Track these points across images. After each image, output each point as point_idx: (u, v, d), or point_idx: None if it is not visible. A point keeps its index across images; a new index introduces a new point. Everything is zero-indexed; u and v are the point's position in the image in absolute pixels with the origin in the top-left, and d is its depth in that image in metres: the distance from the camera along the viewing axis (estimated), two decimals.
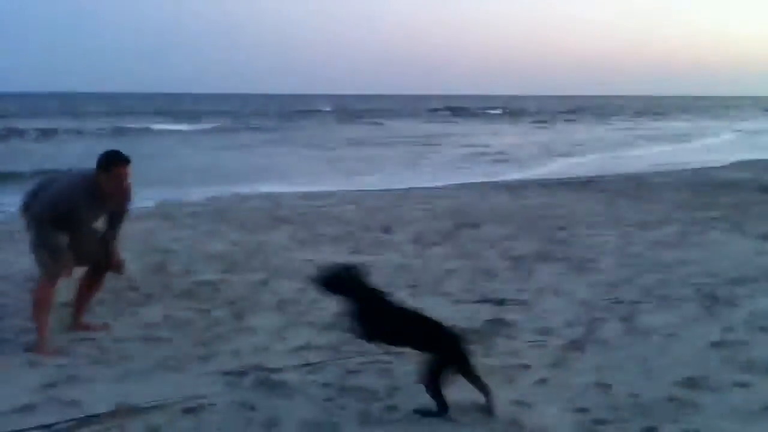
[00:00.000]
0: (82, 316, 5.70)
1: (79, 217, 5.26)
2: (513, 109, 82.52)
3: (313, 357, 5.04)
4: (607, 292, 6.64)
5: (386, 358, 4.96)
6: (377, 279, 7.04)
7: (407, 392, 4.39)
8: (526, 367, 4.81)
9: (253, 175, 19.31)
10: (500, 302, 6.31)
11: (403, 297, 6.48)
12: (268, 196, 14.39)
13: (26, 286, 6.78)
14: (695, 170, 19.31)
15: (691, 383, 4.49)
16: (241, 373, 4.70)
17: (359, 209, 12.21)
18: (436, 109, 79.42)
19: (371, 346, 5.19)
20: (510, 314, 6.00)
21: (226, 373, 4.71)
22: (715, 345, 5.20)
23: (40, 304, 5.27)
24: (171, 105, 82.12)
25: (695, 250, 8.37)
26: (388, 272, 7.47)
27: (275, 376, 4.64)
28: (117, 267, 5.61)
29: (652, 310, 6.07)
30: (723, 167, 20.28)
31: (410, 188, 15.94)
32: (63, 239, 5.26)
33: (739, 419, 4.02)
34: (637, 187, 15.23)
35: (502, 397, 4.26)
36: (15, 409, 4.12)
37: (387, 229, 9.98)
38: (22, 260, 7.51)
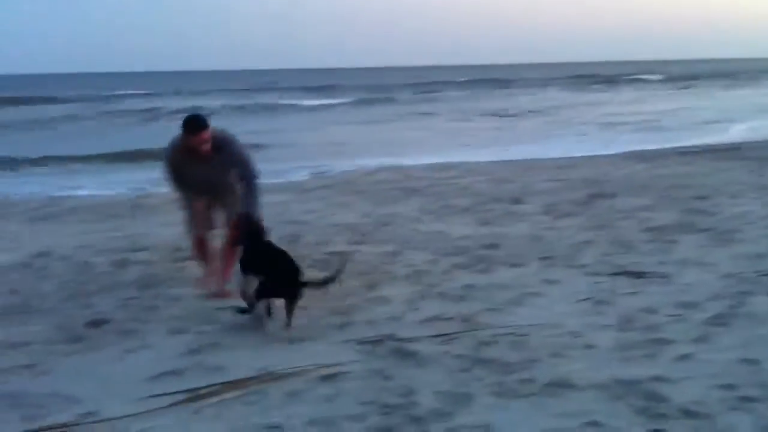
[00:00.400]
0: (224, 283, 5.92)
1: (184, 176, 5.82)
2: (672, 75, 77.95)
3: (445, 328, 5.04)
4: (754, 264, 6.30)
5: (521, 330, 4.92)
6: (509, 250, 7.07)
7: (544, 365, 4.34)
8: (668, 341, 4.64)
9: (386, 148, 19.50)
10: (639, 275, 6.11)
11: (536, 269, 6.44)
12: (398, 169, 14.47)
13: (173, 255, 7.12)
14: None
15: None
16: (376, 342, 4.76)
17: (489, 180, 12.10)
18: (580, 76, 76.01)
19: (503, 317, 5.19)
20: (650, 287, 5.81)
21: (362, 342, 4.79)
22: None
23: (193, 257, 6.24)
24: (311, 80, 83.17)
25: None
26: (519, 243, 7.39)
27: (409, 346, 4.68)
28: (230, 234, 5.83)
29: None
30: None
31: (541, 158, 15.64)
32: (197, 202, 5.93)
33: None
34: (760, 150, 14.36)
35: (643, 373, 4.14)
36: (163, 374, 4.33)
37: (517, 200, 9.85)
38: (167, 231, 7.89)
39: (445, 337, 4.86)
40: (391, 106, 39.82)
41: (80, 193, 12.73)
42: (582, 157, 15.60)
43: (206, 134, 5.65)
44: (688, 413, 3.68)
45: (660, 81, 65.70)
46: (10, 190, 13.38)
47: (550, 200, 9.79)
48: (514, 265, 6.62)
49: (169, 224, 7.18)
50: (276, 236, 7.54)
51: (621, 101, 39.60)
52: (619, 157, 15.13)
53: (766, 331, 4.75)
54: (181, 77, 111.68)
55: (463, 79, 75.86)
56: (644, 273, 6.14)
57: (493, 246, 7.31)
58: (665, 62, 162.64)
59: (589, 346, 4.62)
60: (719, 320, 4.98)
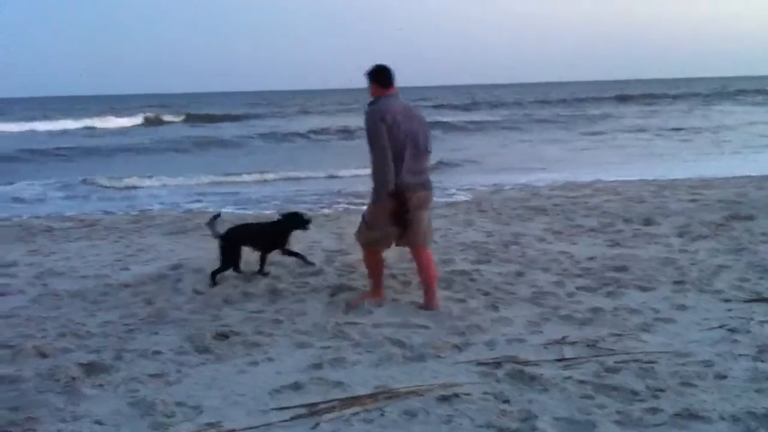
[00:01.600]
0: (427, 295, 6.05)
1: (396, 133, 5.71)
2: None
3: (569, 352, 4.92)
4: None
5: (648, 357, 4.73)
6: (638, 273, 6.84)
7: (672, 394, 4.16)
8: None
9: (517, 164, 19.38)
10: None
11: (667, 293, 6.20)
12: (525, 187, 14.30)
13: (298, 270, 7.28)
14: None
15: None
16: (496, 364, 4.70)
17: (620, 200, 11.77)
18: (739, 91, 70.66)
19: (630, 343, 5.01)
20: None
21: (481, 363, 4.73)
22: None
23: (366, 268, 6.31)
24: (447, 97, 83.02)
25: None
26: (650, 266, 7.14)
27: (530, 369, 4.59)
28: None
29: None
30: None
31: (677, 178, 15.06)
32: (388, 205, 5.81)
33: None
34: None
35: None
36: (285, 387, 4.42)
37: (649, 221, 9.52)
38: (294, 246, 8.06)
39: (567, 361, 4.75)
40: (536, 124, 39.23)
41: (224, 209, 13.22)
42: (720, 177, 14.90)
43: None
44: None
45: None
46: (149, 203, 14.06)
47: (684, 221, 9.41)
48: (643, 289, 6.40)
49: (294, 240, 7.33)
50: (396, 253, 7.66)
51: None
52: (759, 177, 14.38)
53: None
54: (303, 95, 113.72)
55: (613, 94, 71.98)
56: None
57: (621, 268, 7.09)
58: None
59: (721, 376, 4.40)
60: None
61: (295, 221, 7.18)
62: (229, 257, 6.98)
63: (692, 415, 3.88)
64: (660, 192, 12.55)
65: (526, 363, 4.71)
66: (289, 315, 5.90)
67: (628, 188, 13.41)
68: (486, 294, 6.38)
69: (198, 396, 4.36)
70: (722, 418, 3.84)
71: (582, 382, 4.39)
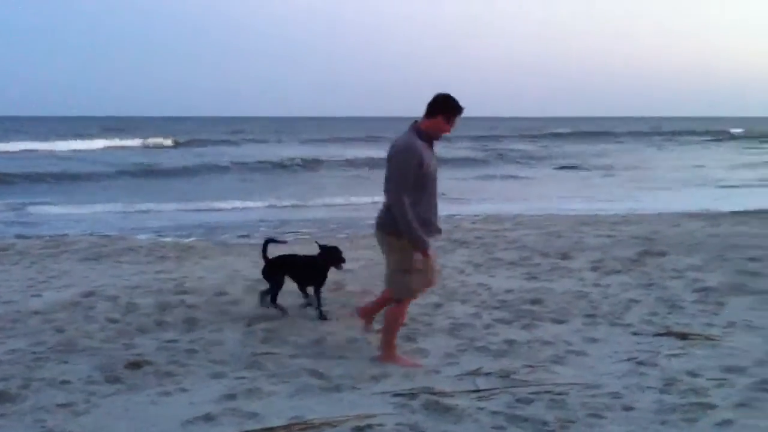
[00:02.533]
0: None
1: (426, 175, 5.34)
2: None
3: (483, 383, 4.99)
4: None
5: (559, 389, 4.84)
6: (552, 306, 6.99)
7: (580, 425, 4.26)
8: (710, 406, 4.51)
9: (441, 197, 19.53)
10: (684, 336, 5.97)
11: (579, 326, 6.35)
12: (448, 219, 14.47)
13: (216, 300, 7.21)
14: None
15: None
16: (412, 395, 4.72)
17: (540, 234, 12.00)
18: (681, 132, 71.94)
19: (542, 375, 5.11)
20: (695, 349, 5.67)
21: (397, 395, 4.75)
22: None
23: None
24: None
25: None
26: (564, 299, 7.30)
27: (445, 400, 4.62)
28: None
29: None
30: None
31: (598, 213, 15.47)
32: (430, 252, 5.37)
33: None
34: None
35: None
36: (197, 418, 4.36)
37: (565, 255, 9.74)
38: (213, 275, 7.99)
39: (482, 392, 4.81)
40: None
41: (137, 235, 12.98)
42: (637, 214, 15.37)
43: None
44: None
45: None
46: (68, 229, 13.72)
47: (599, 256, 9.66)
48: (557, 322, 6.55)
49: (214, 269, 7.28)
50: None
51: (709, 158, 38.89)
52: (674, 214, 14.88)
53: None
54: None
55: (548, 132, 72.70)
56: (690, 335, 6.01)
57: (537, 301, 7.24)
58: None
59: (629, 408, 4.52)
60: (765, 386, 4.83)
61: (333, 255, 6.85)
62: (274, 282, 6.75)
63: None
64: (579, 227, 12.84)
65: (442, 394, 4.75)
66: (205, 345, 5.83)
67: (549, 222, 13.70)
68: (404, 325, 6.40)
69: (108, 427, 4.27)
70: None
71: (495, 413, 4.46)
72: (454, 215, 15.22)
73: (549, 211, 16.20)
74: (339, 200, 19.18)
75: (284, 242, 7.68)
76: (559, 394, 4.75)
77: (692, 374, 5.11)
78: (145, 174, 27.77)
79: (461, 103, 5.23)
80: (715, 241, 10.83)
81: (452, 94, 5.23)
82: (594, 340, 5.98)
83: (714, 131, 71.15)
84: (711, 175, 27.71)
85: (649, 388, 4.87)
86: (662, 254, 9.69)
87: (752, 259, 9.19)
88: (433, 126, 5.21)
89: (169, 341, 5.92)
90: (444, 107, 5.19)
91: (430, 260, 5.25)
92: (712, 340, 5.91)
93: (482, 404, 4.60)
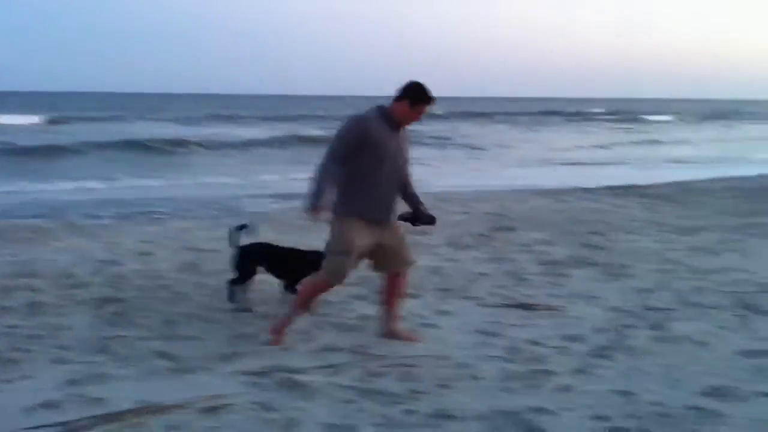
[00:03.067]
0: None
1: (379, 153, 5.17)
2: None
3: (336, 358, 5.05)
4: (640, 298, 6.55)
5: (411, 361, 4.96)
6: (409, 281, 7.13)
7: (429, 396, 4.39)
8: (550, 373, 4.76)
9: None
10: (529, 307, 6.26)
11: (432, 300, 6.52)
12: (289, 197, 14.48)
13: (62, 283, 6.93)
14: (743, 177, 18.90)
15: (716, 393, 4.41)
16: (264, 374, 4.72)
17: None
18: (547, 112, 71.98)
19: (395, 348, 5.23)
20: (538, 319, 5.96)
21: (249, 374, 4.74)
22: (746, 354, 5.09)
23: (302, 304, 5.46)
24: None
25: (733, 257, 8.22)
26: (419, 275, 7.45)
27: (298, 377, 4.66)
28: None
29: (684, 318, 5.98)
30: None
31: (451, 191, 15.87)
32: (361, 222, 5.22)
33: (762, 430, 3.93)
34: (681, 192, 14.98)
35: (524, 403, 4.24)
36: (39, 405, 4.19)
37: (422, 232, 9.94)
38: (61, 257, 7.67)
39: (334, 368, 4.87)
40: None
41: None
42: (491, 191, 15.89)
43: None
44: None
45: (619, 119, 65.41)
46: None
47: (455, 232, 9.93)
48: (411, 296, 6.67)
49: (64, 251, 6.98)
50: (173, 264, 7.50)
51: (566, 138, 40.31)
52: (524, 191, 15.46)
53: (643, 364, 4.93)
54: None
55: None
56: (534, 305, 6.30)
57: None
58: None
59: (475, 378, 4.70)
60: (601, 352, 5.15)
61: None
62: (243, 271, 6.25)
63: (446, 415, 4.12)
64: (435, 204, 13.11)
65: (295, 371, 4.78)
66: (50, 330, 5.59)
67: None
68: (262, 303, 6.38)
69: None
70: (473, 417, 4.10)
71: (347, 387, 4.52)
72: None
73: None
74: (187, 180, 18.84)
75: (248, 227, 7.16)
76: (411, 366, 4.88)
77: (535, 343, 5.37)
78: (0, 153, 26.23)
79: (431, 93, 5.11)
80: (561, 216, 11.39)
81: (424, 84, 5.14)
82: (445, 313, 6.17)
83: (585, 112, 73.85)
84: (562, 153, 29.00)
85: (495, 357, 5.08)
86: (512, 229, 10.08)
87: (594, 233, 9.72)
88: (398, 110, 5.11)
89: (10, 326, 5.64)
90: (410, 93, 5.09)
91: (358, 239, 5.11)
92: (555, 310, 6.23)
93: (335, 379, 4.65)
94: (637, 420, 4.04)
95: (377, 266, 5.50)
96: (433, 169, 22.68)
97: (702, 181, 17.50)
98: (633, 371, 4.80)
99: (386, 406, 4.25)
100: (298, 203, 13.14)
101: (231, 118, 50.23)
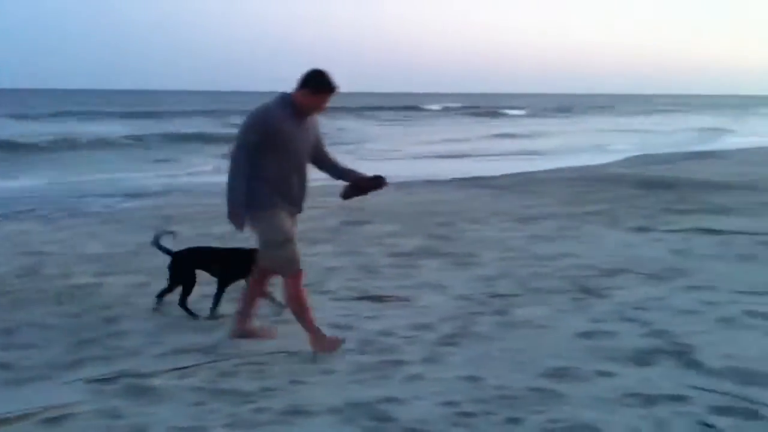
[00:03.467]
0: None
1: (288, 146, 5.07)
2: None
3: (186, 360, 4.95)
4: (485, 286, 6.79)
5: (262, 358, 4.93)
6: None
7: (282, 392, 4.38)
8: (401, 362, 4.86)
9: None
10: (380, 299, 6.36)
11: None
12: (159, 195, 14.10)
13: None
14: (583, 166, 19.96)
15: (557, 374, 4.63)
16: (110, 380, 4.57)
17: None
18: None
19: (246, 347, 5.18)
20: (389, 310, 6.06)
21: (94, 381, 4.57)
22: (583, 335, 5.38)
23: (299, 308, 5.22)
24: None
25: (571, 244, 8.66)
26: None
27: (145, 382, 4.53)
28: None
29: (527, 303, 6.25)
30: (610, 163, 21.09)
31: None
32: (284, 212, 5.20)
33: (600, 407, 4.14)
34: (523, 183, 15.62)
35: (375, 394, 4.30)
36: None
37: (168, 231, 9.86)
38: None
39: (184, 370, 4.77)
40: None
41: None
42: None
43: None
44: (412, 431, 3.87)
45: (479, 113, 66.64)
46: None
47: (306, 227, 9.91)
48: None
49: None
50: (11, 268, 7.11)
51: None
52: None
53: (489, 349, 5.12)
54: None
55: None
56: (385, 297, 6.41)
57: None
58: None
59: (328, 372, 4.73)
60: (449, 340, 5.30)
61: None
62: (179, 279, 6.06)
63: (299, 411, 4.11)
64: None
65: (142, 375, 4.65)
66: None
67: None
68: (106, 308, 6.17)
69: None
70: (325, 411, 4.12)
71: (197, 389, 4.45)
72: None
73: None
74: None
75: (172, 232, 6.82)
76: (262, 363, 4.86)
77: (386, 334, 5.46)
78: None
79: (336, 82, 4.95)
80: (412, 208, 11.63)
81: (327, 72, 4.97)
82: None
83: (449, 108, 74.94)
84: (419, 147, 29.59)
85: (347, 350, 5.12)
86: (365, 223, 10.20)
87: (443, 224, 10.00)
88: (300, 99, 4.94)
89: None
90: (311, 82, 4.92)
91: (289, 225, 5.10)
92: (405, 300, 6.36)
93: (184, 381, 4.56)
94: (483, 404, 4.18)
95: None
96: None
97: (543, 172, 18.37)
98: (480, 357, 4.97)
99: (237, 406, 4.20)
100: (150, 202, 12.81)
101: (87, 114, 48.20)
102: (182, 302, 6.01)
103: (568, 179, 16.15)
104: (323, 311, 6.08)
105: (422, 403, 4.22)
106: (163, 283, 6.95)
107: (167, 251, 6.15)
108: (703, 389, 4.33)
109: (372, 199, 12.64)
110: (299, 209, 5.29)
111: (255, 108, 5.01)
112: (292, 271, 5.09)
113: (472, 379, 4.56)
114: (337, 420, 4.02)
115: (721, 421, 3.90)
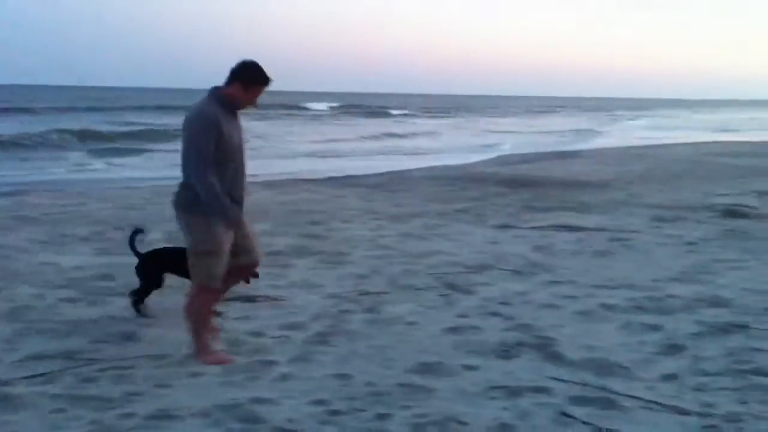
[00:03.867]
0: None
1: (229, 143, 4.76)
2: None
3: (46, 366, 4.74)
4: (356, 284, 6.85)
5: (127, 363, 4.79)
6: (125, 281, 6.87)
7: (147, 397, 4.27)
8: (271, 363, 4.84)
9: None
10: (251, 299, 6.29)
11: (153, 297, 6.33)
12: (11, 195, 13.38)
13: None
14: (453, 165, 20.41)
15: (425, 369, 4.73)
16: None
17: (114, 207, 11.68)
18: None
19: (110, 351, 5.02)
20: (260, 310, 6.02)
21: None
22: (450, 331, 5.52)
23: (198, 321, 5.00)
24: None
25: (440, 241, 8.86)
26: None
27: (3, 390, 4.31)
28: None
29: (397, 300, 6.35)
30: (478, 162, 21.68)
31: (169, 185, 15.46)
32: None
33: (467, 401, 4.27)
34: (394, 181, 15.84)
35: (244, 395, 4.27)
36: None
37: (141, 229, 9.58)
38: None
39: (43, 376, 4.57)
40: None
41: None
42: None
43: None
44: (282, 431, 3.86)
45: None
46: None
47: (174, 227, 9.66)
48: (125, 295, 6.44)
49: None
50: None
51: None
52: (253, 184, 15.36)
53: (359, 347, 5.17)
54: None
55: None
56: (256, 297, 6.34)
57: (108, 277, 7.07)
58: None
59: (195, 374, 4.65)
60: (320, 339, 5.33)
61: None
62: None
63: (165, 416, 4.02)
64: (155, 198, 12.73)
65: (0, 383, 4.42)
66: None
67: (124, 195, 13.39)
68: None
69: None
70: (193, 414, 4.04)
71: (57, 396, 4.28)
72: (18, 191, 14.14)
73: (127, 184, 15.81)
74: None
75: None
76: (127, 368, 4.72)
77: (257, 334, 5.42)
78: None
79: (269, 73, 4.71)
80: (284, 207, 11.58)
81: (259, 63, 4.72)
82: (165, 311, 6.00)
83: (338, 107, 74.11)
84: (296, 146, 29.35)
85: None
86: None
87: (314, 223, 10.01)
88: (232, 94, 4.68)
89: None
90: (242, 75, 4.67)
91: (226, 238, 4.78)
92: (277, 300, 6.33)
93: (44, 388, 4.38)
94: (352, 401, 4.22)
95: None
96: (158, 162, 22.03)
97: (414, 171, 18.68)
98: (350, 355, 5.01)
99: (101, 412, 4.07)
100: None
101: None
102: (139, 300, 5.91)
103: (437, 178, 16.49)
104: None
105: (291, 402, 4.22)
106: (18, 286, 6.66)
107: (136, 253, 6.04)
108: (563, 380, 4.54)
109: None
110: (241, 212, 4.97)
111: (191, 112, 4.72)
112: (209, 284, 4.87)
113: (342, 377, 4.60)
114: (205, 423, 3.96)
115: (579, 411, 4.10)
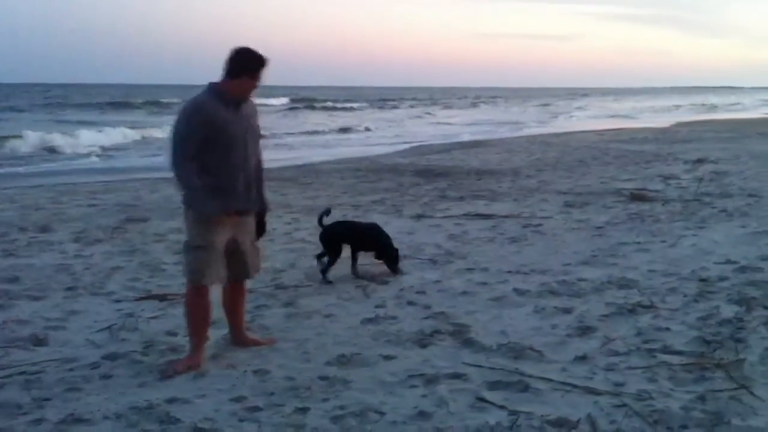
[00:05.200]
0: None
1: (225, 133, 4.70)
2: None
3: None
4: (272, 279, 6.79)
5: (35, 368, 4.64)
6: (30, 283, 6.63)
7: (57, 402, 4.15)
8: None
9: None
10: (163, 298, 6.17)
11: (59, 300, 6.15)
12: None
13: None
14: (367, 156, 20.43)
15: (343, 361, 4.73)
16: None
17: (15, 207, 11.26)
18: None
19: (17, 356, 4.85)
20: (173, 309, 5.89)
21: None
22: (368, 321, 5.54)
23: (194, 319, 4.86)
24: None
25: None
26: (44, 274, 7.00)
27: None
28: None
29: (313, 293, 6.33)
30: (393, 153, 21.78)
31: (77, 183, 15.03)
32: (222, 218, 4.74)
33: (385, 390, 4.28)
34: (307, 173, 15.77)
35: (159, 396, 4.18)
36: None
37: (45, 228, 9.29)
38: None
39: None
40: None
41: None
42: (118, 180, 15.34)
43: None
44: (199, 431, 3.80)
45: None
46: None
47: (82, 227, 9.42)
48: (35, 299, 6.24)
49: None
50: None
51: None
52: (153, 180, 15.04)
53: (278, 342, 5.12)
54: None
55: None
56: (169, 295, 6.21)
57: (13, 279, 6.82)
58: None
59: (107, 377, 4.53)
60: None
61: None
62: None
63: (77, 420, 3.91)
64: (59, 197, 12.36)
65: None
66: None
67: (21, 194, 12.93)
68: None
69: None
70: (106, 418, 3.94)
71: None
72: None
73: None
74: None
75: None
76: (35, 373, 4.57)
77: (171, 334, 5.32)
78: None
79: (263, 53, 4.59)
80: None
81: (251, 47, 4.60)
82: (74, 313, 5.85)
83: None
84: None
85: (128, 352, 4.93)
86: (144, 220, 9.84)
87: None
88: (237, 87, 4.57)
89: None
90: (248, 65, 4.56)
91: (214, 234, 4.61)
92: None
93: None
94: (271, 397, 4.18)
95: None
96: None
97: (328, 163, 18.63)
98: (267, 350, 4.96)
99: (8, 419, 3.94)
100: None
101: None
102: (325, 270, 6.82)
103: (352, 169, 16.47)
104: (101, 314, 5.85)
105: (208, 401, 4.16)
106: None
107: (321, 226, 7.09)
108: (479, 366, 4.60)
109: (151, 195, 12.34)
110: (252, 206, 4.90)
111: (186, 106, 4.62)
112: (193, 280, 4.74)
113: (260, 372, 4.55)
114: (119, 426, 3.87)
115: (495, 396, 4.17)
